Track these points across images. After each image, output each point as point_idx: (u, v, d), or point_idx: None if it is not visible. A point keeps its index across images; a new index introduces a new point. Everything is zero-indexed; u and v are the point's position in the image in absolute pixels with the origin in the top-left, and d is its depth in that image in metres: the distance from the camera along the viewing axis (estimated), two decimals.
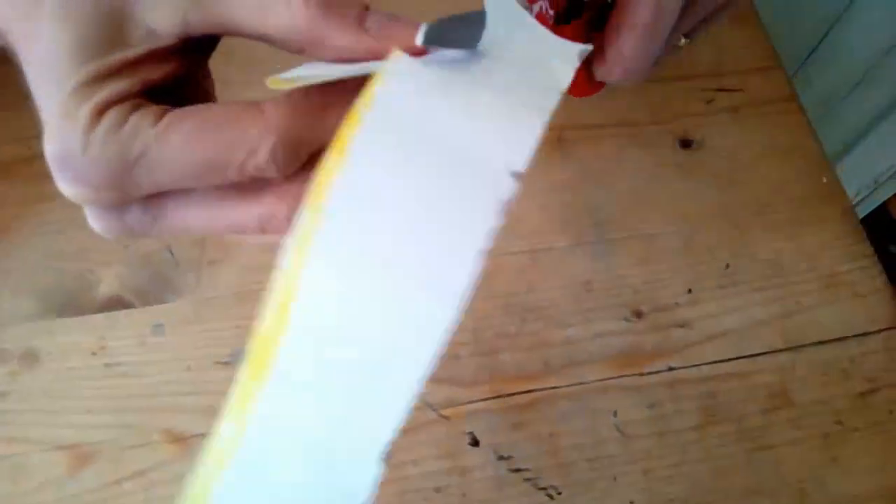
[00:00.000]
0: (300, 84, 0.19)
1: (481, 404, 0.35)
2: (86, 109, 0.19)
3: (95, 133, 0.19)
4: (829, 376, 0.36)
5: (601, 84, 0.30)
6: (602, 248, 0.39)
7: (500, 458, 0.33)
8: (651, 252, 0.39)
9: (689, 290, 0.38)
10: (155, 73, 0.20)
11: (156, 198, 0.21)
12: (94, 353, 0.34)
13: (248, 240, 0.22)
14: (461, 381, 0.35)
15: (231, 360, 0.35)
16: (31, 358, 0.34)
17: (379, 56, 0.20)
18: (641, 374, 0.36)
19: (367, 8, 0.20)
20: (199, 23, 0.20)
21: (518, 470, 0.33)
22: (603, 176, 0.40)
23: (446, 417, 0.34)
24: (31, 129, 0.39)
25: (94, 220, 0.22)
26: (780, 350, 0.36)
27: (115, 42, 0.19)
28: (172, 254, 0.37)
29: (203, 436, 0.33)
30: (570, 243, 0.38)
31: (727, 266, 0.39)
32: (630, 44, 0.27)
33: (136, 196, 0.20)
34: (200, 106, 0.20)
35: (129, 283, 0.36)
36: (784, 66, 0.46)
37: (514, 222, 0.39)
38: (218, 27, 0.20)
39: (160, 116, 0.19)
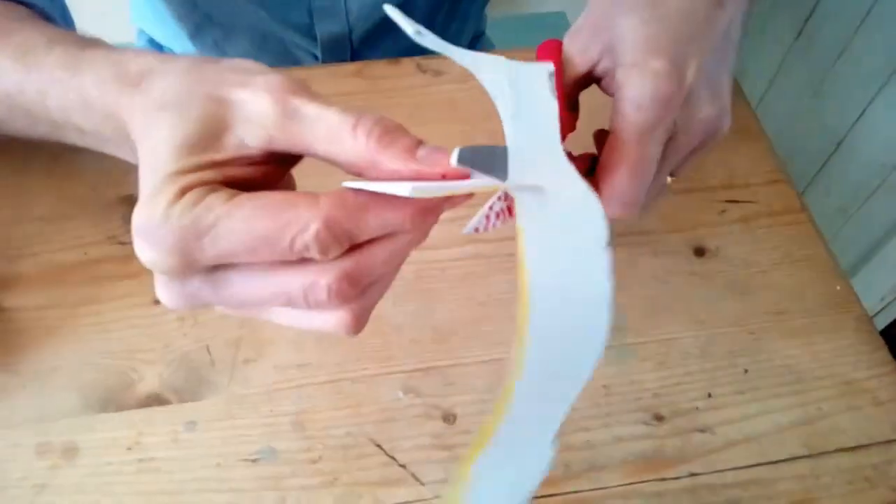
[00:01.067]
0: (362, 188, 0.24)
1: None
2: (172, 189, 0.23)
3: (175, 207, 0.23)
4: (853, 485, 0.35)
5: None
6: (619, 353, 0.40)
7: None
8: (669, 357, 0.40)
9: (709, 395, 0.38)
10: (238, 172, 0.25)
11: (218, 269, 0.24)
12: (129, 449, 0.36)
13: (288, 316, 0.26)
14: None
15: (258, 458, 0.36)
16: (71, 452, 0.36)
17: (423, 177, 0.24)
18: (663, 480, 0.36)
19: (420, 142, 0.25)
20: (282, 143, 0.25)
21: None
22: (618, 282, 0.42)
23: None
24: (88, 237, 0.43)
25: (161, 289, 0.25)
26: (803, 457, 0.36)
27: (211, 145, 0.24)
28: (210, 353, 0.39)
29: None
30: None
31: (745, 371, 0.39)
32: (621, 181, 0.31)
33: (202, 265, 0.24)
34: (266, 192, 0.23)
35: (167, 380, 0.38)
36: (793, 179, 0.48)
37: None
38: (296, 149, 0.25)
39: (232, 196, 0.23)
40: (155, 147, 0.25)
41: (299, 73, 0.51)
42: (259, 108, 0.25)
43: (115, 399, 0.37)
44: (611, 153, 0.31)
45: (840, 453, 0.36)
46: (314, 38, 0.61)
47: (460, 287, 0.42)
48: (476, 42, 0.77)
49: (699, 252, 0.44)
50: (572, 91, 0.35)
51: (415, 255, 0.42)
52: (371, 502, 0.35)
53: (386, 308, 0.41)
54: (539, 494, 0.35)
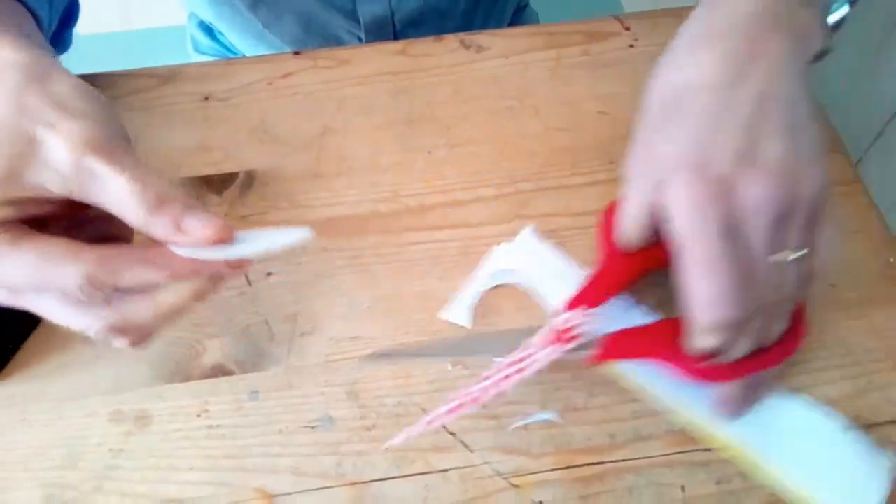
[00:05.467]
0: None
1: (549, 475, 0.36)
2: None
3: None
4: None
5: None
6: None
7: None
8: None
9: None
10: (37, 210, 0.29)
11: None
12: (197, 416, 0.38)
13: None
14: (530, 451, 0.37)
15: (316, 425, 0.38)
16: (143, 419, 0.38)
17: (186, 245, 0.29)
18: (709, 450, 0.36)
19: (190, 210, 0.29)
20: (77, 195, 0.28)
21: None
22: None
23: (516, 486, 0.36)
24: None
25: None
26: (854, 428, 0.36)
27: (13, 181, 0.27)
28: (269, 327, 0.41)
29: (290, 495, 0.36)
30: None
31: None
32: (695, 284, 0.30)
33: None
34: (46, 240, 0.28)
35: (230, 353, 0.40)
36: (848, 150, 0.47)
37: None
38: (91, 202, 0.28)
39: (16, 241, 0.28)
40: None
41: (344, 52, 0.53)
42: (58, 156, 0.27)
43: (182, 370, 0.39)
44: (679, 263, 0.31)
45: (891, 425, 0.36)
46: (357, 21, 0.62)
47: None
48: (520, 13, 0.77)
49: None
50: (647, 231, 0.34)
51: (461, 231, 0.44)
52: (423, 467, 0.36)
53: (432, 284, 0.42)
54: (583, 463, 0.36)
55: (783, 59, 0.32)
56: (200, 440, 0.37)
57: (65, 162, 0.27)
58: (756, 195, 0.29)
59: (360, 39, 0.65)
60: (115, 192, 0.27)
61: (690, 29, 0.34)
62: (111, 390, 0.39)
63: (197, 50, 0.75)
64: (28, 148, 0.27)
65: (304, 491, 0.36)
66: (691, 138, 0.31)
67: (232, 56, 0.71)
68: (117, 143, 0.28)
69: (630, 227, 0.34)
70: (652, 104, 0.34)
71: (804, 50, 0.33)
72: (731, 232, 0.29)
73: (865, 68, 0.73)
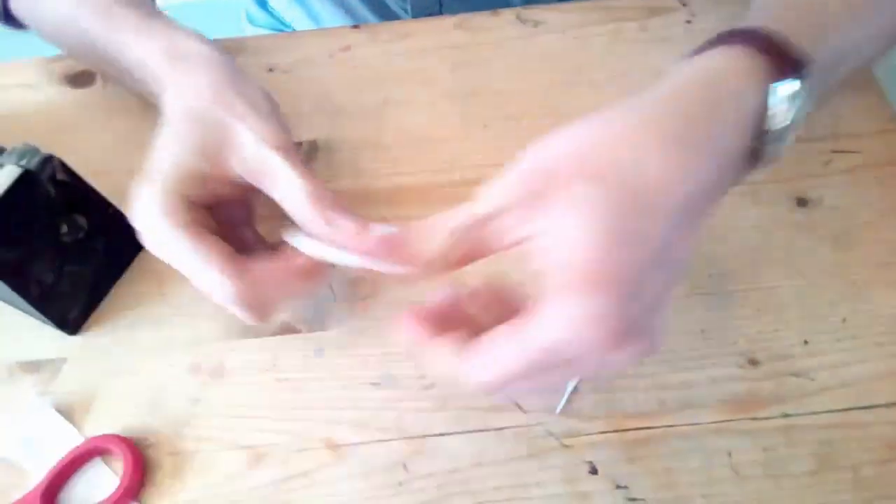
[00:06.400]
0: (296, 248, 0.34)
1: (600, 437, 0.38)
2: (167, 202, 0.34)
3: (163, 219, 0.33)
4: None
5: None
6: (718, 299, 0.41)
7: (618, 486, 0.36)
8: (767, 304, 0.41)
9: (806, 342, 0.39)
10: (218, 189, 0.35)
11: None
12: (267, 370, 0.41)
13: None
14: (581, 414, 0.38)
15: (379, 382, 0.40)
16: (218, 371, 0.41)
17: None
18: (756, 419, 0.37)
19: (363, 224, 0.33)
20: (253, 179, 0.35)
21: (635, 500, 0.36)
22: (721, 231, 0.43)
23: (568, 447, 0.38)
24: None
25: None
26: None
27: (206, 160, 0.35)
28: (333, 290, 0.43)
29: (353, 445, 0.38)
30: (687, 292, 0.41)
31: (844, 320, 0.40)
32: (503, 367, 0.27)
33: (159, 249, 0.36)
34: (212, 245, 0.33)
35: (297, 313, 0.42)
36: None
37: None
38: (261, 187, 0.35)
39: (196, 235, 0.33)
40: (164, 152, 0.35)
41: (402, 26, 0.54)
42: (248, 147, 0.34)
43: (253, 328, 0.42)
44: (503, 334, 0.27)
45: None
46: None
47: None
48: None
49: (802, 202, 0.44)
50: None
51: None
52: (478, 424, 0.38)
53: None
54: (633, 427, 0.38)
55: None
56: (271, 392, 0.40)
57: (252, 153, 0.33)
58: (618, 362, 0.26)
59: (405, 11, 0.65)
60: (287, 186, 0.34)
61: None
62: (188, 343, 0.42)
63: (252, 22, 0.77)
64: (225, 135, 0.34)
65: (366, 442, 0.38)
66: (619, 252, 0.25)
67: (285, 29, 0.73)
68: (291, 144, 0.35)
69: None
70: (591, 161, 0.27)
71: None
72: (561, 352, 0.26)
73: None
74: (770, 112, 0.29)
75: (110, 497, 0.37)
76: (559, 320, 0.25)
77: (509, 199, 0.29)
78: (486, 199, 0.30)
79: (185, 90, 0.36)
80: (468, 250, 0.31)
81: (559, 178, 0.27)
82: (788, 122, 0.29)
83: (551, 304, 0.25)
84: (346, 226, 0.32)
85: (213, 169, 0.35)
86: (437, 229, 0.30)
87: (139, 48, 0.39)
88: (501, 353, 0.27)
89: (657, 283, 0.26)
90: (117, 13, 0.41)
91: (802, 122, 0.30)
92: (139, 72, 0.40)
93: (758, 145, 0.30)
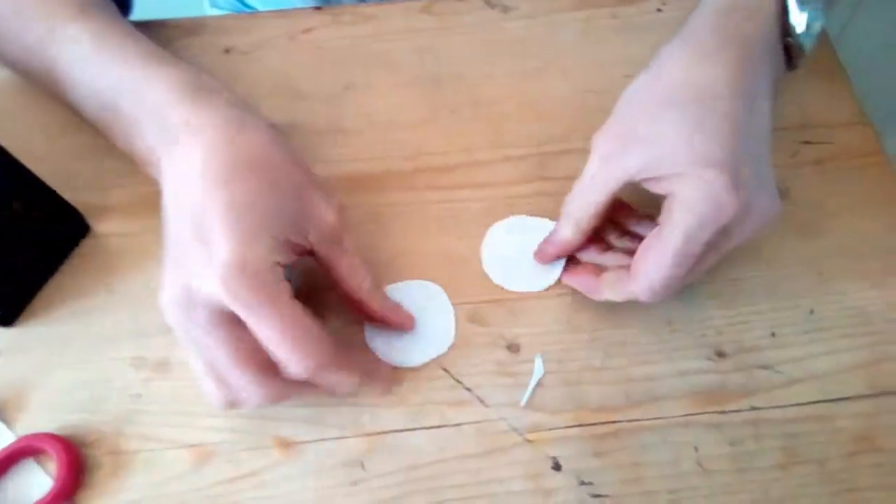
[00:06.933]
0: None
1: (565, 431, 0.36)
2: (265, 258, 0.32)
3: (257, 277, 0.31)
4: None
5: None
6: (685, 291, 0.40)
7: (582, 483, 0.35)
8: (734, 296, 0.40)
9: (773, 334, 0.39)
10: (290, 256, 0.34)
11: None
12: None
13: None
14: (545, 408, 0.37)
15: None
16: (164, 366, 0.39)
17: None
18: (723, 412, 0.37)
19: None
20: (320, 252, 0.35)
21: (599, 496, 0.35)
22: None
23: (531, 442, 0.36)
24: None
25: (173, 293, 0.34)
26: (866, 396, 0.36)
27: (292, 231, 0.33)
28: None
29: (308, 443, 0.36)
30: None
31: (811, 312, 0.39)
32: (656, 272, 0.33)
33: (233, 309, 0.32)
34: (303, 317, 0.32)
35: None
36: (872, 120, 0.47)
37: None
38: (324, 261, 0.36)
39: (283, 294, 0.32)
40: (254, 213, 0.32)
41: (366, 9, 0.52)
42: (326, 220, 0.34)
43: None
44: (652, 243, 0.34)
45: None
46: None
47: None
48: None
49: None
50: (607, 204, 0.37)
51: (483, 191, 0.44)
52: (439, 420, 0.37)
53: (452, 243, 0.42)
54: (597, 422, 0.37)
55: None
56: None
57: (329, 226, 0.34)
58: (756, 218, 0.34)
59: None
60: (348, 261, 0.35)
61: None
62: (132, 335, 0.39)
63: (213, 4, 0.74)
64: (306, 207, 0.34)
65: (320, 440, 0.36)
66: (719, 140, 0.33)
67: (249, 10, 0.71)
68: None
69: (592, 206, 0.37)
70: (652, 94, 0.36)
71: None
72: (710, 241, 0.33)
73: (891, 38, 0.72)
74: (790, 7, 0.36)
75: (42, 500, 0.34)
76: (694, 203, 0.32)
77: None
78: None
79: (243, 137, 0.34)
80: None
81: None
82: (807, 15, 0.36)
83: (682, 197, 0.33)
84: (398, 321, 0.38)
85: (296, 238, 0.34)
86: None
87: (159, 84, 0.37)
88: (663, 250, 0.33)
89: (751, 151, 0.34)
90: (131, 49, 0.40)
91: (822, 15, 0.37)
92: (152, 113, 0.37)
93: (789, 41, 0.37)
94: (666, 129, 0.34)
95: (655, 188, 0.34)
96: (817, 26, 0.37)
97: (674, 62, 0.36)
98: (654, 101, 0.35)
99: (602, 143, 0.36)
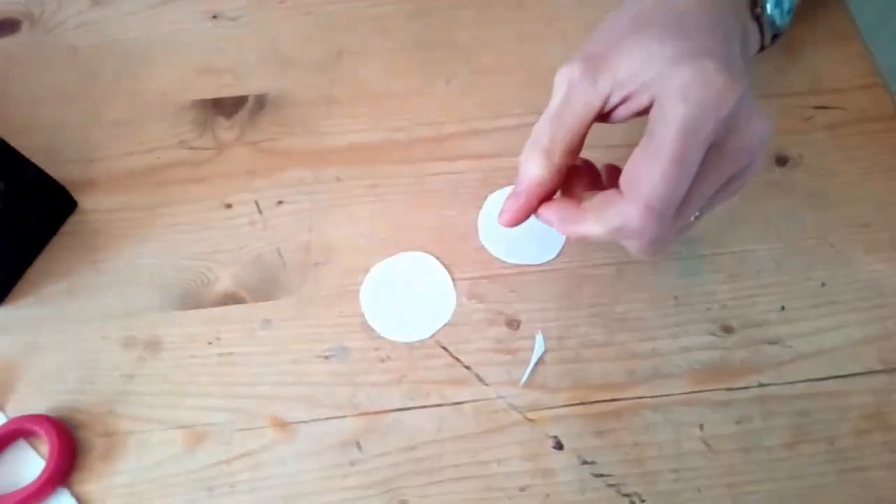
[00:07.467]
0: None
1: (566, 410, 0.35)
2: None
3: None
4: None
5: None
6: (691, 264, 0.39)
7: (584, 462, 0.34)
8: (742, 269, 0.39)
9: (783, 308, 0.37)
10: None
11: None
12: (209, 343, 0.38)
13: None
14: (546, 386, 0.36)
15: (330, 355, 0.37)
16: (155, 345, 0.38)
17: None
18: (730, 389, 0.35)
19: None
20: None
21: (601, 475, 0.34)
22: None
23: (531, 420, 0.35)
24: (159, 142, 0.44)
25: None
26: (878, 371, 0.35)
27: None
28: (281, 256, 0.40)
29: (304, 423, 0.35)
30: (657, 258, 0.39)
31: (823, 285, 0.38)
32: (653, 183, 0.27)
33: None
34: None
35: (242, 281, 0.39)
36: (888, 84, 0.45)
37: None
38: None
39: None
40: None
41: None
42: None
43: (193, 297, 0.39)
44: (643, 153, 0.28)
45: None
46: None
47: None
48: None
49: (781, 161, 0.42)
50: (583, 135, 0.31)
51: (481, 162, 0.42)
52: (438, 399, 0.36)
53: (451, 217, 0.41)
54: (600, 399, 0.36)
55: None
56: (213, 367, 0.37)
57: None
58: (754, 132, 0.28)
59: None
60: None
61: None
62: (122, 314, 0.38)
63: None
64: None
65: (316, 420, 0.36)
66: (703, 42, 0.29)
67: None
68: None
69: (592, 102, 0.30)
70: (620, 22, 0.31)
71: None
72: (707, 146, 0.28)
73: None
74: None
75: (35, 482, 0.34)
76: (688, 90, 0.27)
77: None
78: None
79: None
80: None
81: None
82: None
83: (673, 88, 0.27)
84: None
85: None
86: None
87: None
88: (657, 154, 0.27)
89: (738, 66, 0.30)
90: None
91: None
92: None
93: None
94: (642, 42, 0.29)
95: (635, 106, 0.29)
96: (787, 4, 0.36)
97: None
98: (625, 25, 0.30)
99: (567, 73, 0.30)
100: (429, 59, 0.46)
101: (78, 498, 0.34)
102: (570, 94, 0.30)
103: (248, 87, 0.45)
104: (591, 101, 0.30)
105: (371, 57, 0.46)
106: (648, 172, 0.27)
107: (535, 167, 0.31)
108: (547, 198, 0.32)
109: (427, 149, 0.43)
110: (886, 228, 0.39)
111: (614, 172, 0.32)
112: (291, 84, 0.45)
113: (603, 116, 0.30)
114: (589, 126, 0.30)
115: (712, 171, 0.28)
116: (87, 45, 0.47)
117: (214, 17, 0.48)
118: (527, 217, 0.32)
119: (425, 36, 0.47)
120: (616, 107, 0.30)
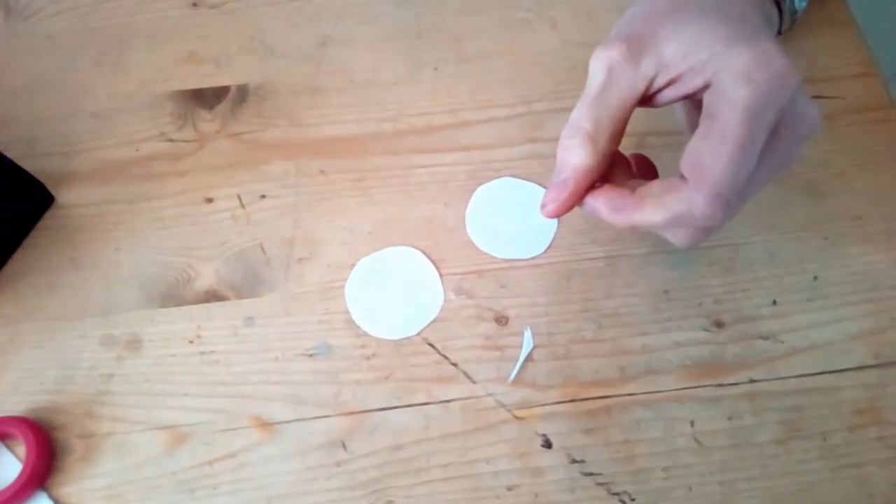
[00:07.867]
0: None
1: (555, 407, 0.35)
2: None
3: None
4: None
5: None
6: (682, 257, 0.38)
7: (573, 461, 0.34)
8: (734, 262, 0.38)
9: (774, 302, 0.37)
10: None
11: None
12: (191, 342, 0.37)
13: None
14: (535, 383, 0.35)
15: (314, 353, 0.36)
16: (135, 344, 0.37)
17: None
18: (721, 385, 0.35)
19: None
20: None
21: (591, 474, 0.33)
22: None
23: (520, 419, 0.35)
24: (139, 134, 0.42)
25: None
26: (871, 366, 0.35)
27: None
28: (265, 252, 0.39)
29: (290, 423, 0.35)
30: (648, 251, 0.38)
31: (815, 278, 0.37)
32: (721, 167, 0.26)
33: None
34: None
35: (224, 277, 0.38)
36: (883, 73, 0.44)
37: (592, 228, 0.39)
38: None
39: None
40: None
41: None
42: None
43: (174, 294, 0.38)
44: (706, 138, 0.27)
45: None
46: None
47: None
48: None
49: None
50: (626, 119, 0.30)
51: (470, 154, 0.41)
52: (425, 397, 0.35)
53: (438, 210, 0.40)
54: (590, 396, 0.35)
55: None
56: (194, 366, 0.36)
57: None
58: (808, 117, 0.28)
59: None
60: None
61: None
62: (101, 312, 0.38)
63: None
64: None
65: (300, 419, 0.35)
66: (752, 29, 0.28)
67: None
68: None
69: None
70: (658, 4, 0.30)
71: None
72: (770, 129, 0.27)
73: None
74: None
75: (13, 485, 0.33)
76: (750, 72, 0.26)
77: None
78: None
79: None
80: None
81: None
82: None
83: (733, 70, 0.26)
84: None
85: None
86: None
87: None
88: (722, 138, 0.26)
89: None
90: None
91: None
92: None
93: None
94: (688, 22, 0.28)
95: (686, 88, 0.28)
96: None
97: None
98: (661, 5, 0.29)
99: (605, 55, 0.29)
100: (416, 47, 0.45)
101: (56, 501, 0.33)
102: (611, 77, 0.28)
103: (229, 76, 0.44)
104: (635, 83, 0.28)
105: (357, 45, 0.45)
106: (713, 158, 0.26)
107: (580, 154, 0.29)
108: (591, 186, 0.30)
109: (414, 140, 0.42)
110: (880, 220, 0.39)
111: (644, 162, 0.32)
112: (275, 74, 0.44)
113: (646, 100, 0.29)
114: (632, 109, 0.29)
115: (769, 157, 0.27)
116: (65, 33, 0.46)
117: (195, 4, 0.47)
118: (572, 207, 0.30)
119: (412, 23, 0.46)
120: (661, 89, 0.29)
